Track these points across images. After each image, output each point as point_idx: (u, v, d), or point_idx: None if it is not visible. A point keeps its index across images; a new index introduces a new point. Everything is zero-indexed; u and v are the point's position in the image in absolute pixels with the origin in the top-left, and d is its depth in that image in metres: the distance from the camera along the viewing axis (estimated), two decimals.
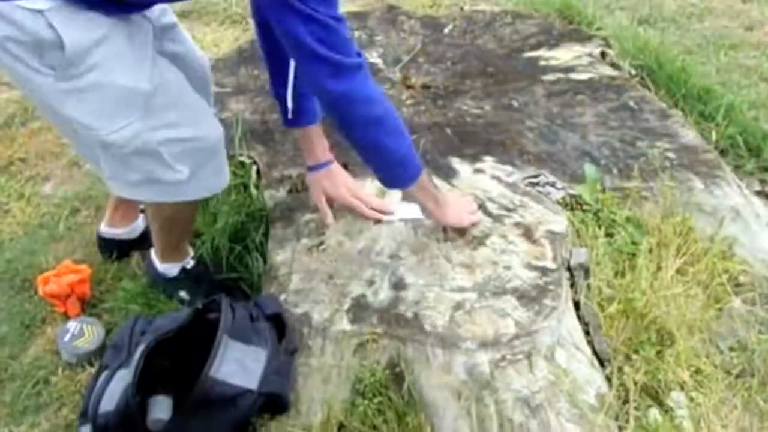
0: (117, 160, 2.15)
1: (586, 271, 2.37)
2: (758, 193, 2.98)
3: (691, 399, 2.19)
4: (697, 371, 2.27)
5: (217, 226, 2.62)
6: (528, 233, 2.40)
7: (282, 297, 2.23)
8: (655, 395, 2.20)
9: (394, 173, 2.23)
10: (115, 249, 2.89)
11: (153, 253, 2.63)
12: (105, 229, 2.87)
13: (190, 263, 2.63)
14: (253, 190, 2.72)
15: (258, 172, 2.82)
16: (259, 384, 2.00)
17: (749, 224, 2.70)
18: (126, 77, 2.03)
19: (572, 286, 2.34)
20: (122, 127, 2.05)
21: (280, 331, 2.15)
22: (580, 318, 2.29)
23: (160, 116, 2.10)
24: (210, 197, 2.53)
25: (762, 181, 3.06)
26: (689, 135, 2.95)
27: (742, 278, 2.59)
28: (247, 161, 2.87)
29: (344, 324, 2.12)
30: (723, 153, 3.11)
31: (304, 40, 1.86)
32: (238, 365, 2.00)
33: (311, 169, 2.45)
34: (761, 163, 3.15)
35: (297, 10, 1.82)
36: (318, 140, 2.44)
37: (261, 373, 2.02)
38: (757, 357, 2.36)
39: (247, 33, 4.61)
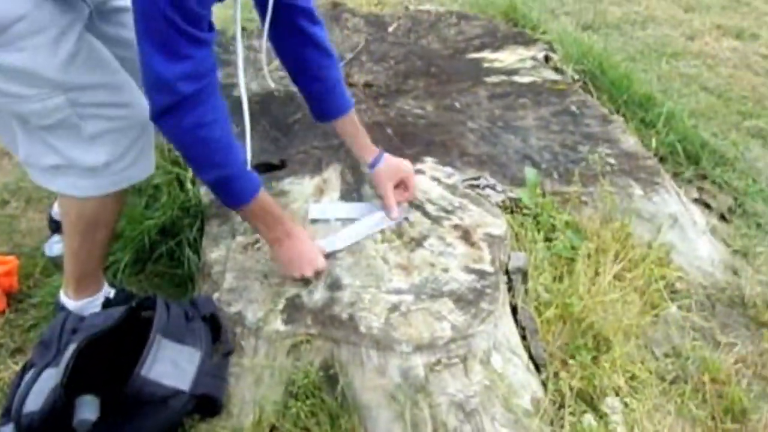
0: (34, 138, 2.08)
1: (524, 275, 2.36)
2: (696, 201, 3.01)
3: (626, 405, 2.20)
4: (632, 377, 2.28)
5: (150, 221, 2.55)
6: (466, 236, 2.38)
7: (215, 295, 2.18)
8: (590, 401, 2.20)
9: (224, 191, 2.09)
10: None
11: (63, 294, 2.44)
12: (56, 210, 2.77)
13: (110, 292, 2.47)
14: (189, 185, 2.66)
15: None
16: (191, 385, 1.95)
17: (686, 231, 2.72)
18: (49, 50, 1.96)
19: (510, 290, 2.32)
20: (44, 98, 1.99)
21: (215, 332, 2.10)
22: (517, 322, 2.27)
23: (86, 94, 2.05)
24: (129, 188, 2.34)
25: (700, 189, 3.09)
26: (630, 141, 2.96)
27: (678, 285, 2.62)
28: None
29: (278, 324, 2.08)
30: (662, 160, 3.14)
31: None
32: (171, 365, 1.95)
33: (373, 165, 2.44)
34: (699, 171, 3.19)
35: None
36: (360, 129, 2.44)
37: (194, 374, 1.97)
38: (691, 364, 2.38)
39: None
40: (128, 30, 2.23)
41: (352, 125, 2.44)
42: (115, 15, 2.26)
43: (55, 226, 2.79)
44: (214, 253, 2.33)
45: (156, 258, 2.56)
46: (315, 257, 2.19)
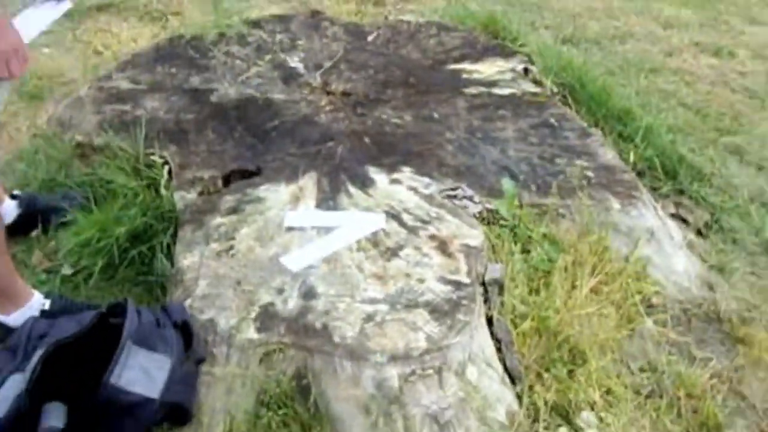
0: None
1: (501, 287, 2.34)
2: (673, 216, 3.01)
3: (601, 419, 2.19)
4: (608, 391, 2.27)
5: (123, 226, 2.51)
6: (443, 246, 2.36)
7: (187, 302, 2.14)
8: (565, 414, 2.18)
9: None
10: None
11: None
12: None
13: (45, 303, 2.34)
14: (164, 191, 2.62)
15: (169, 172, 2.72)
16: (161, 393, 1.91)
17: (663, 246, 2.72)
18: None
19: (486, 301, 2.30)
20: None
21: (186, 339, 2.07)
22: (492, 334, 2.25)
23: None
24: None
25: (677, 204, 3.09)
26: (608, 155, 2.95)
27: (654, 299, 2.61)
28: (159, 161, 2.76)
29: (251, 332, 2.04)
30: (640, 174, 3.13)
31: None
32: (141, 372, 1.91)
33: None
34: (677, 186, 3.19)
35: None
36: None
37: (165, 381, 1.93)
38: (667, 378, 2.37)
39: (165, 30, 4.49)
40: None
41: None
42: None
43: None
44: (187, 260, 2.29)
45: (127, 264, 2.51)
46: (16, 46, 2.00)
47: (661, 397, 2.32)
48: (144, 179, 2.69)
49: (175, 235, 2.46)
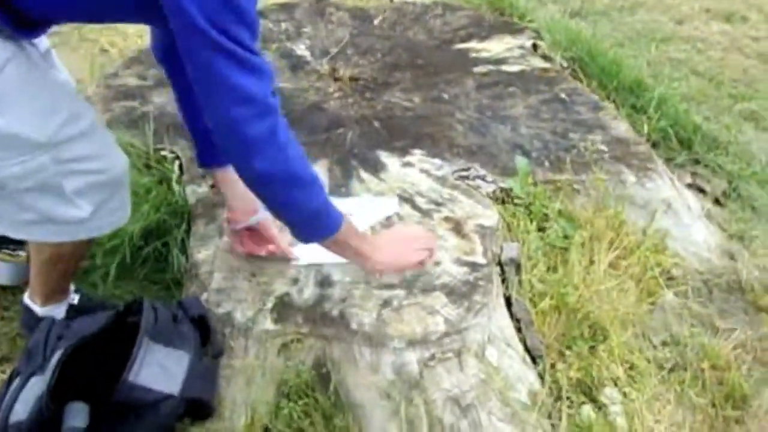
0: (9, 199, 1.89)
1: (518, 266, 2.33)
2: (690, 186, 2.98)
3: (625, 395, 2.17)
4: (631, 366, 2.25)
5: (137, 223, 2.50)
6: (458, 228, 2.34)
7: (203, 296, 2.13)
8: (588, 391, 2.17)
9: (308, 228, 1.90)
10: None
11: (28, 298, 2.30)
12: None
13: (75, 298, 2.35)
14: (175, 186, 2.61)
15: (180, 167, 2.71)
16: (181, 389, 1.90)
17: (681, 217, 2.69)
18: (31, 109, 1.80)
19: (503, 281, 2.28)
20: (26, 159, 1.81)
21: (204, 333, 2.06)
22: (511, 314, 2.24)
23: (69, 148, 1.87)
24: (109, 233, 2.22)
25: (693, 174, 3.06)
26: (621, 127, 2.93)
27: (674, 271, 2.59)
28: (170, 156, 2.75)
29: (268, 323, 2.04)
30: (655, 146, 3.10)
31: (224, 76, 1.61)
32: (159, 369, 1.90)
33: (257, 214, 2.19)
34: (692, 156, 3.15)
35: (219, 45, 1.58)
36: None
37: (184, 377, 1.92)
38: (690, 351, 2.36)
39: None
40: (59, 71, 2.13)
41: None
42: (49, 58, 2.10)
43: None
44: (201, 254, 2.28)
45: (143, 261, 2.50)
46: (418, 236, 2.11)
47: (684, 369, 2.30)
48: (155, 175, 2.68)
49: (188, 230, 2.45)
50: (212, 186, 2.54)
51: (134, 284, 2.51)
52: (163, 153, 2.76)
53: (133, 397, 1.85)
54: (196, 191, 2.55)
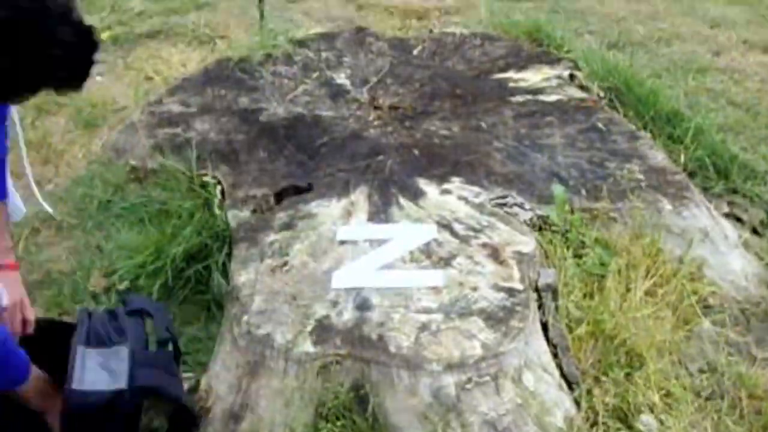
0: None
1: (554, 292, 2.34)
2: (727, 215, 2.97)
3: (661, 422, 2.16)
4: (667, 394, 2.24)
5: (179, 246, 2.56)
6: (495, 254, 2.37)
7: (244, 318, 2.17)
8: (624, 418, 2.16)
9: None
10: None
11: None
12: None
13: None
14: (217, 210, 2.67)
15: (222, 192, 2.77)
16: (128, 380, 1.89)
17: (718, 246, 2.69)
18: None
19: (540, 307, 2.30)
20: None
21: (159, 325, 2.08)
22: (548, 340, 2.25)
23: None
24: None
25: (730, 203, 3.05)
26: (658, 157, 2.94)
27: (711, 300, 2.58)
28: (211, 181, 2.82)
29: (307, 345, 2.07)
30: (691, 175, 3.09)
31: None
32: (101, 369, 1.90)
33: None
34: (729, 185, 3.14)
35: None
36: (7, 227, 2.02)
37: (127, 369, 1.91)
38: (727, 379, 2.34)
39: (214, 54, 4.57)
40: None
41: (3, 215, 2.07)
42: None
43: None
44: (242, 277, 2.33)
45: (184, 283, 2.56)
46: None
47: (722, 398, 2.29)
48: (197, 199, 2.74)
49: (229, 254, 2.50)
50: (254, 211, 2.59)
51: (175, 306, 2.56)
52: (205, 178, 2.83)
53: (83, 404, 1.85)
54: (237, 215, 2.60)
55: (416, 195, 2.66)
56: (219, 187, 2.79)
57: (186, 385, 2.20)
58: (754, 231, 2.97)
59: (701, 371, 2.38)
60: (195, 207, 2.69)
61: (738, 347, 2.48)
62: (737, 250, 2.76)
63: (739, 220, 2.99)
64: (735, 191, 3.13)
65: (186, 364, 2.35)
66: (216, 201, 2.71)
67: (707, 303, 2.56)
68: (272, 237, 2.47)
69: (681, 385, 2.28)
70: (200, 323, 2.51)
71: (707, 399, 2.28)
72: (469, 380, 2.00)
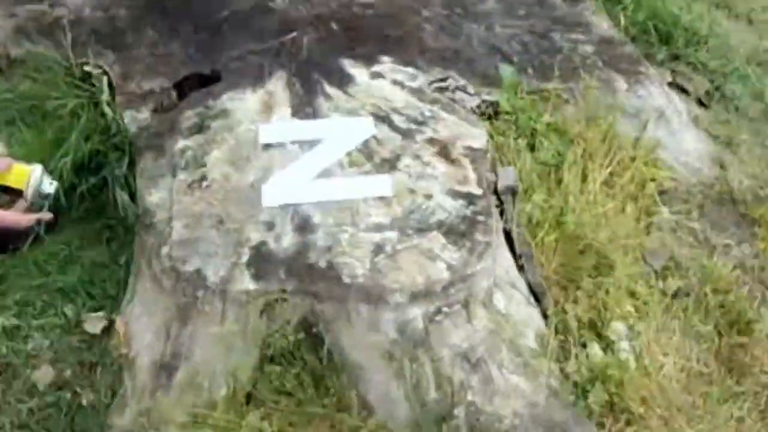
0: None
1: (514, 194, 2.08)
2: (671, 84, 2.77)
3: (631, 328, 2.05)
4: (633, 295, 2.13)
5: (66, 155, 2.12)
6: (445, 151, 2.09)
7: (164, 250, 1.83)
8: (594, 326, 2.03)
9: None
10: None
11: None
12: None
13: None
14: (107, 109, 2.23)
15: (110, 85, 2.33)
16: None
17: (672, 125, 2.52)
18: None
19: (501, 214, 2.05)
20: None
21: None
22: (512, 250, 2.02)
23: None
24: None
25: (673, 72, 2.84)
26: (603, 25, 2.71)
27: (666, 184, 2.41)
28: (95, 72, 2.36)
29: (246, 282, 1.77)
30: (633, 41, 2.85)
31: None
32: None
33: None
34: (672, 51, 2.92)
35: None
36: None
37: None
38: (692, 275, 2.24)
39: None
40: None
41: None
42: None
43: None
44: (153, 196, 1.98)
45: (78, 202, 2.14)
46: None
47: (687, 295, 2.19)
48: (80, 95, 2.29)
49: (131, 164, 2.10)
50: (155, 110, 2.19)
51: (69, 228, 2.16)
52: (86, 68, 2.37)
53: None
54: (136, 117, 2.20)
55: (343, 81, 2.31)
56: (105, 79, 2.33)
57: (99, 326, 1.93)
58: (700, 102, 2.79)
59: (666, 268, 2.26)
60: (79, 106, 2.24)
61: (695, 235, 2.38)
62: (690, 128, 2.60)
63: (684, 90, 2.80)
64: (677, 57, 2.92)
65: (92, 297, 2.01)
66: (104, 97, 2.27)
67: (663, 188, 2.41)
68: (182, 143, 2.09)
69: (648, 285, 2.18)
70: (101, 246, 2.12)
71: (674, 297, 2.18)
72: (439, 311, 1.77)
